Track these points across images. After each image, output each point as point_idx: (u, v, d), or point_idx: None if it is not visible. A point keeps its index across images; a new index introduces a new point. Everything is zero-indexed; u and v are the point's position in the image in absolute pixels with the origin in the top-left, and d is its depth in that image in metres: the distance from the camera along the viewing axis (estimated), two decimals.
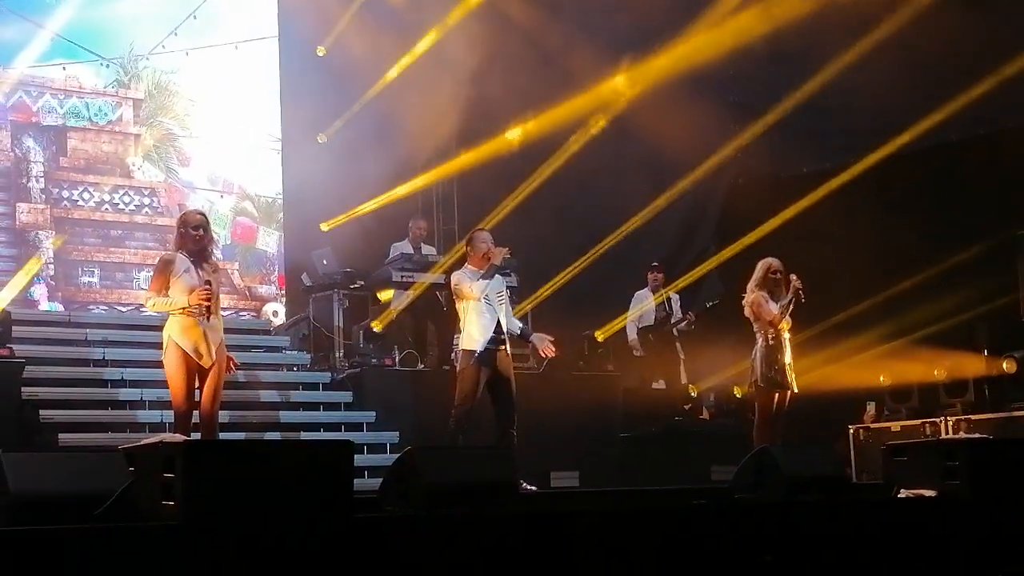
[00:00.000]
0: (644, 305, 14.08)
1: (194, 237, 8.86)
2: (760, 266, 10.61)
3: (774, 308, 10.42)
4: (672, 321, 13.91)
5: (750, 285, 10.57)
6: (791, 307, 10.37)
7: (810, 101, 14.44)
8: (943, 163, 13.38)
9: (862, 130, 14.23)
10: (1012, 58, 12.57)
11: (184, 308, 8.67)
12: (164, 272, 8.82)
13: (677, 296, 14.23)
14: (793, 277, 10.43)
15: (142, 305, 13.83)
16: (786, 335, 10.45)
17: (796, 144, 14.60)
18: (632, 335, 14.07)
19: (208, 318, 8.70)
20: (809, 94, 14.42)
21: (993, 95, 12.77)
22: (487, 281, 9.88)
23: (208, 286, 8.70)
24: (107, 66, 14.64)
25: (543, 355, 10.45)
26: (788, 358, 10.44)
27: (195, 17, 14.82)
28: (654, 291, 14.08)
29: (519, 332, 10.17)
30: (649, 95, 14.18)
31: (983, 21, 12.61)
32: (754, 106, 14.93)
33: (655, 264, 14.18)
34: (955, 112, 13.07)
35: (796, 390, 10.46)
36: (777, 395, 10.38)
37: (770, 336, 10.40)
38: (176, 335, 8.71)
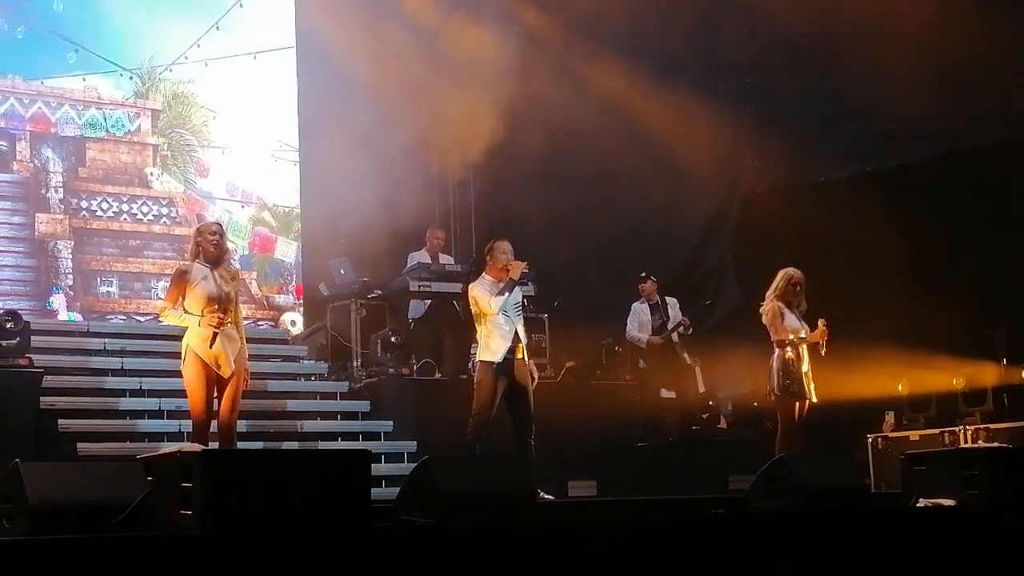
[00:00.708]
0: (640, 316, 14.01)
1: (211, 242, 8.93)
2: (781, 276, 10.55)
3: (791, 322, 10.38)
4: (669, 327, 13.83)
5: (769, 294, 10.54)
6: (805, 342, 10.35)
7: (829, 109, 14.41)
8: (963, 171, 13.33)
9: (881, 138, 14.19)
10: None
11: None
12: (180, 282, 8.88)
13: (675, 301, 14.12)
14: (821, 324, 10.38)
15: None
16: (804, 344, 10.42)
17: (815, 153, 14.55)
18: (644, 336, 13.92)
19: (212, 343, 8.72)
20: (828, 102, 14.40)
21: (1015, 101, 12.72)
22: (505, 296, 9.86)
23: (222, 314, 8.73)
24: (131, 78, 14.70)
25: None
26: (806, 367, 10.42)
27: (218, 28, 14.87)
28: (648, 300, 14.00)
29: None
30: (667, 104, 14.16)
31: (1007, 25, 12.57)
32: (773, 114, 14.90)
33: (643, 274, 14.07)
34: (976, 119, 13.02)
35: (815, 400, 10.43)
36: (797, 405, 10.36)
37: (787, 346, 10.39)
38: (195, 344, 8.76)
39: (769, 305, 10.47)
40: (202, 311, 8.79)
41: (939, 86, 12.91)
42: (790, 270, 10.56)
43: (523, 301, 10.26)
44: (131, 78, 14.71)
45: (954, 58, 12.57)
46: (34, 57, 14.12)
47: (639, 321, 13.96)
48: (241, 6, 15.12)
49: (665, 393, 13.98)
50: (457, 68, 14.65)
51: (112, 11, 14.51)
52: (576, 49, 14.76)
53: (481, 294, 9.91)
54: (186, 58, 14.81)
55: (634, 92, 14.45)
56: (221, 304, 8.83)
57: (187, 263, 9.07)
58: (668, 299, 14.02)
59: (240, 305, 9.26)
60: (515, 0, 14.97)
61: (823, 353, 10.40)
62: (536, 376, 10.20)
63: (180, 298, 8.88)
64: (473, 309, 10.06)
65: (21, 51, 14.07)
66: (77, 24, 14.33)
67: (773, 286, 10.54)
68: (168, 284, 9.26)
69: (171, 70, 14.86)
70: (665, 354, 13.89)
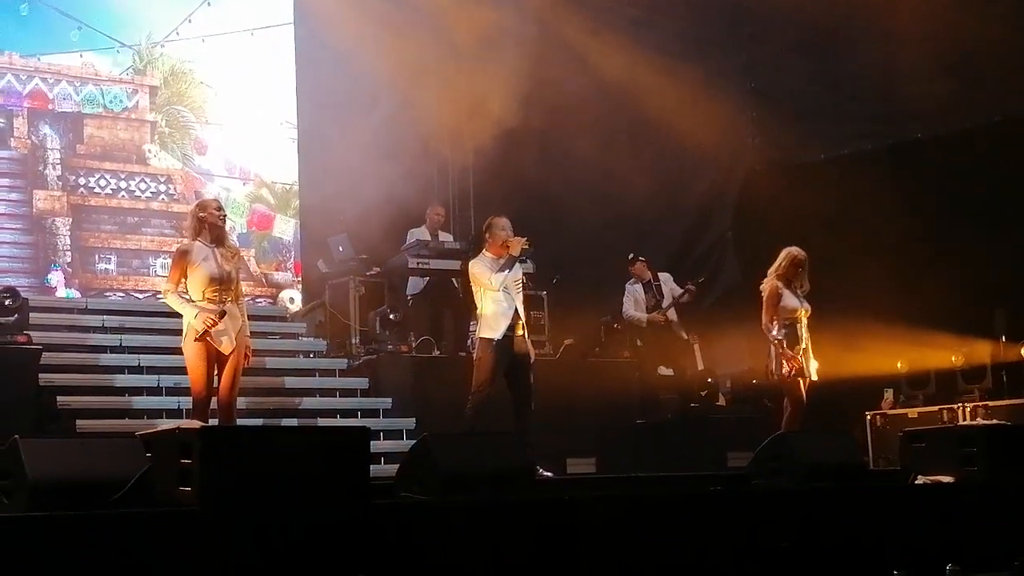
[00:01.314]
0: (635, 295, 14.10)
1: (220, 217, 8.94)
2: (784, 255, 10.42)
3: (790, 302, 10.30)
4: (664, 304, 13.93)
5: (771, 272, 10.44)
6: (781, 348, 10.28)
7: (830, 87, 14.39)
8: (962, 150, 13.33)
9: (881, 117, 14.17)
10: None
11: (200, 300, 8.74)
12: (181, 262, 8.87)
13: (668, 276, 14.20)
14: (797, 364, 10.37)
15: (159, 292, 13.93)
16: (804, 321, 10.37)
17: (815, 131, 14.55)
18: (643, 315, 14.01)
19: (198, 337, 8.72)
20: (829, 80, 14.38)
21: (1017, 81, 12.70)
22: (506, 272, 9.85)
23: (217, 317, 8.72)
24: (133, 53, 14.62)
25: None
26: (805, 344, 10.35)
27: (208, 3, 14.82)
28: (640, 279, 14.09)
29: None
30: (667, 82, 14.13)
31: (1010, 4, 12.55)
32: (773, 92, 14.88)
33: (631, 256, 14.13)
34: (977, 98, 13.00)
35: (815, 378, 10.36)
36: (801, 383, 10.28)
37: (784, 324, 10.31)
38: (198, 324, 8.74)
39: (768, 283, 10.39)
40: (202, 293, 8.78)
41: (941, 64, 12.89)
42: (793, 249, 10.44)
43: (523, 278, 10.24)
44: (133, 55, 14.65)
45: (955, 37, 12.54)
46: (33, 33, 14.06)
47: (634, 300, 14.05)
48: None
49: (663, 371, 14.00)
50: (458, 46, 14.59)
51: None
52: (576, 27, 14.71)
53: (481, 271, 9.89)
54: (177, 34, 14.73)
55: (634, 70, 14.41)
56: (223, 284, 8.83)
57: (187, 242, 9.03)
58: (661, 275, 14.13)
59: (241, 283, 9.25)
60: None
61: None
62: (533, 355, 10.19)
63: (183, 278, 8.87)
64: (473, 286, 10.05)
65: (20, 28, 14.01)
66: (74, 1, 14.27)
67: (776, 264, 10.43)
68: (170, 264, 9.23)
69: (164, 46, 14.79)
70: (662, 332, 13.95)
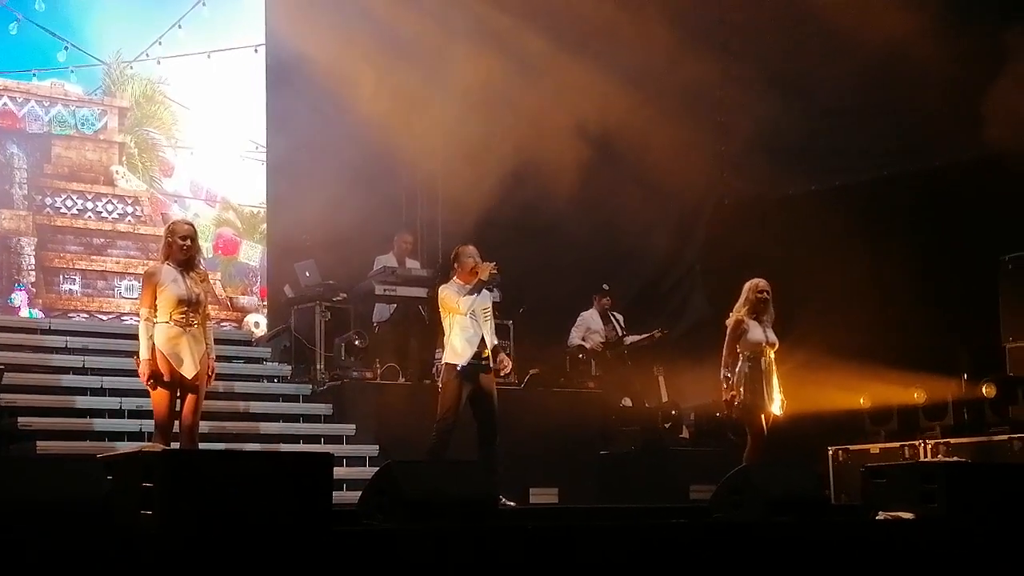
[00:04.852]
0: (591, 324, 14.26)
1: (181, 247, 8.89)
2: (747, 288, 10.49)
3: (755, 335, 10.32)
4: (627, 342, 14.09)
5: (737, 306, 10.48)
6: (731, 392, 10.31)
7: (799, 124, 14.48)
8: (928, 187, 13.44)
9: (849, 153, 14.27)
10: (997, 82, 12.61)
11: (167, 321, 8.70)
12: (150, 284, 8.86)
13: (621, 316, 14.41)
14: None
15: (123, 314, 13.85)
16: (770, 356, 10.39)
17: (783, 166, 14.63)
18: (587, 345, 14.18)
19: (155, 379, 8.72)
20: (799, 116, 14.47)
21: (986, 119, 12.81)
22: (474, 296, 9.88)
23: (148, 385, 8.73)
24: (103, 74, 14.56)
25: (499, 368, 10.29)
26: (770, 381, 10.36)
27: (180, 27, 14.79)
28: (601, 313, 14.25)
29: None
30: (638, 114, 14.20)
31: (971, 46, 12.67)
32: (743, 127, 14.96)
33: (605, 287, 14.36)
34: (946, 137, 13.10)
35: (779, 413, 10.37)
36: (763, 416, 10.30)
37: (748, 358, 10.33)
38: (161, 344, 8.72)
39: (732, 317, 10.42)
40: (170, 314, 8.73)
41: (909, 102, 12.99)
42: (753, 280, 10.48)
43: (492, 306, 10.25)
44: (103, 76, 14.59)
45: (924, 75, 12.65)
46: (21, 53, 14.03)
47: (588, 329, 14.19)
48: (204, 4, 15.02)
49: (625, 402, 14.05)
50: (428, 73, 14.63)
51: (81, 10, 14.43)
52: (550, 58, 14.76)
53: (450, 295, 9.93)
54: (147, 55, 14.68)
55: (605, 103, 14.48)
56: (191, 306, 8.81)
57: (156, 264, 9.03)
58: (614, 314, 14.31)
59: (209, 306, 9.22)
60: (489, 7, 14.93)
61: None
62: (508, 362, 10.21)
63: (154, 299, 8.82)
64: (441, 311, 10.07)
65: (9, 47, 13.98)
66: (43, 15, 14.22)
67: (741, 299, 10.47)
68: (141, 288, 9.18)
69: (131, 67, 14.73)
70: (617, 364, 14.08)
